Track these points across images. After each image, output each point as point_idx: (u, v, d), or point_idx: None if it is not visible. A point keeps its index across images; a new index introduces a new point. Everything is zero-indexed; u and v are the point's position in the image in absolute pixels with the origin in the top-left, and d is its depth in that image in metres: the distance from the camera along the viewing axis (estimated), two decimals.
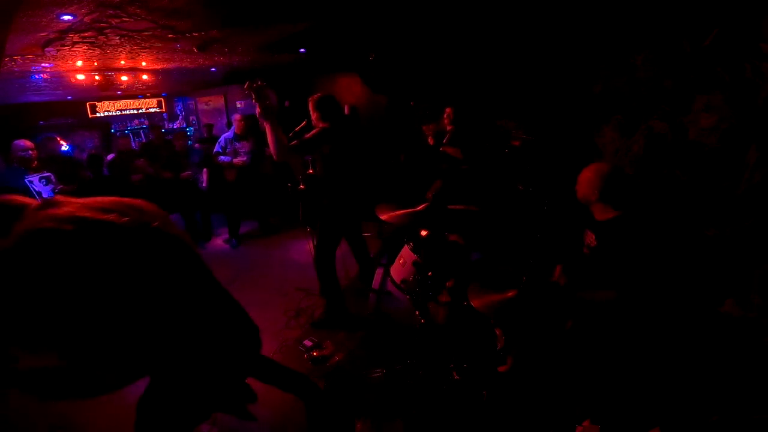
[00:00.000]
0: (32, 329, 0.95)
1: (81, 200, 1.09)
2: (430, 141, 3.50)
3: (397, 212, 2.33)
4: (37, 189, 3.70)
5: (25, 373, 1.01)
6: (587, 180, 1.96)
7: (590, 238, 2.02)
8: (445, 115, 3.61)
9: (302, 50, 4.72)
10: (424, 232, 2.45)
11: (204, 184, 5.35)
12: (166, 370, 1.20)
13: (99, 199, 1.12)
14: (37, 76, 4.79)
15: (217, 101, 8.45)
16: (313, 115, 2.92)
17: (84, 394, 1.10)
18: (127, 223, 1.08)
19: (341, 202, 2.99)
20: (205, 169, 5.37)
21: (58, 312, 0.95)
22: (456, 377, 2.09)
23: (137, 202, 1.18)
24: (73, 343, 0.99)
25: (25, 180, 3.64)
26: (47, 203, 1.06)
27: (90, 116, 7.96)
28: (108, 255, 1.02)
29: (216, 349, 1.25)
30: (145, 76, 5.59)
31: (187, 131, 8.72)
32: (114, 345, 1.05)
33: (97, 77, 5.00)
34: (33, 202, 1.09)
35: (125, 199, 1.16)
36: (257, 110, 2.56)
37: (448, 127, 3.67)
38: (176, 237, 1.19)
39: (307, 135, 2.83)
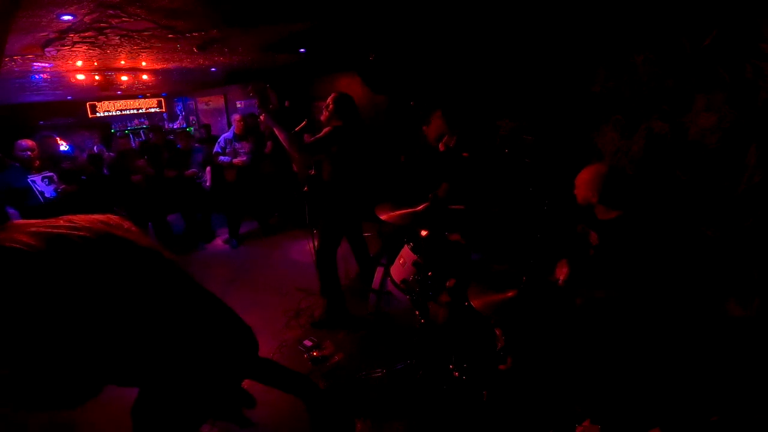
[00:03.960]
0: (5, 344, 0.95)
1: (34, 221, 1.08)
2: (441, 147, 3.43)
3: (397, 212, 2.33)
4: (39, 189, 3.71)
5: (11, 384, 1.01)
6: (586, 182, 1.96)
7: (594, 239, 2.03)
8: (438, 121, 3.45)
9: (302, 50, 4.71)
10: (424, 232, 2.44)
11: (208, 183, 5.35)
12: (151, 378, 1.20)
13: (53, 219, 1.11)
14: (37, 76, 4.78)
15: (217, 101, 8.46)
16: (332, 112, 2.92)
17: (68, 405, 1.09)
18: (84, 234, 1.07)
19: (346, 202, 2.99)
20: (208, 168, 5.38)
21: (30, 328, 0.95)
22: (456, 377, 2.09)
23: (93, 216, 1.17)
24: (49, 357, 0.99)
25: (28, 180, 3.65)
26: (3, 228, 1.05)
27: (90, 116, 7.97)
28: (71, 267, 1.01)
29: (204, 353, 1.24)
30: (145, 76, 5.59)
31: (189, 131, 8.73)
32: (91, 357, 1.05)
33: (97, 77, 5.00)
34: None
35: (86, 216, 1.16)
36: (262, 116, 2.56)
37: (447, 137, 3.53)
38: (137, 243, 1.18)
39: (318, 134, 2.83)
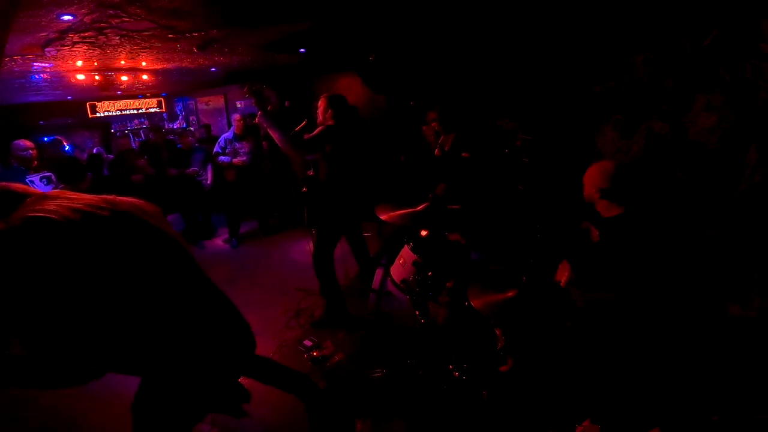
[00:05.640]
0: (17, 315, 0.97)
1: (76, 195, 1.13)
2: (436, 152, 3.46)
3: (397, 212, 2.33)
4: (38, 189, 3.71)
5: (15, 361, 1.03)
6: (591, 178, 1.97)
7: (595, 236, 2.03)
8: (433, 122, 3.49)
9: (302, 50, 4.72)
10: (424, 232, 2.45)
11: (209, 182, 5.35)
12: (154, 366, 1.21)
13: (94, 196, 1.15)
14: (37, 76, 4.79)
15: (217, 101, 8.46)
16: (328, 113, 2.92)
17: (69, 383, 1.11)
18: (117, 216, 1.11)
19: (342, 202, 2.99)
20: (209, 166, 5.38)
21: (44, 300, 0.97)
22: (456, 377, 2.09)
23: (132, 199, 1.21)
24: (56, 333, 1.01)
25: (26, 180, 3.65)
26: (45, 196, 1.10)
27: (90, 116, 7.97)
28: (97, 246, 1.04)
29: (207, 345, 1.25)
30: (145, 76, 5.59)
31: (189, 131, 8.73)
32: (100, 336, 1.06)
33: (97, 77, 5.01)
34: (35, 191, 1.12)
35: (121, 197, 1.19)
36: (258, 116, 2.56)
37: (443, 136, 3.56)
38: (167, 233, 1.21)
39: (312, 134, 2.83)
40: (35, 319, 0.98)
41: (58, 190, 1.14)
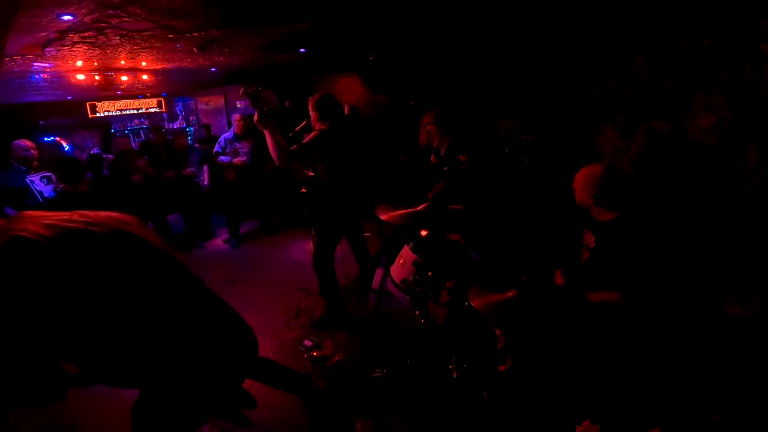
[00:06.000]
0: (6, 334, 0.95)
1: (48, 213, 1.09)
2: (432, 159, 3.46)
3: (397, 212, 2.33)
4: (38, 188, 3.71)
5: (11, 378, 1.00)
6: (581, 184, 1.96)
7: (589, 239, 2.03)
8: (428, 126, 3.47)
9: (302, 50, 4.72)
10: (424, 232, 2.44)
11: (206, 182, 5.34)
12: (152, 377, 1.19)
13: (67, 213, 1.12)
14: (37, 76, 4.79)
15: (217, 101, 8.46)
16: (312, 115, 2.92)
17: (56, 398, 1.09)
18: (98, 230, 1.08)
19: (341, 203, 2.99)
20: (206, 167, 5.36)
21: (33, 318, 0.95)
22: (456, 377, 2.09)
23: (109, 213, 1.18)
24: (49, 351, 0.99)
25: (27, 180, 3.65)
26: (14, 217, 1.06)
27: (90, 116, 7.96)
28: (81, 262, 1.02)
29: (207, 354, 1.24)
30: (145, 76, 5.60)
31: (188, 131, 8.72)
32: (92, 352, 1.05)
33: (97, 77, 5.01)
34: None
35: (102, 212, 1.16)
36: (255, 117, 2.56)
37: (438, 140, 3.56)
38: (150, 243, 1.18)
39: (305, 139, 2.82)
40: (23, 337, 0.96)
41: (30, 211, 1.08)
